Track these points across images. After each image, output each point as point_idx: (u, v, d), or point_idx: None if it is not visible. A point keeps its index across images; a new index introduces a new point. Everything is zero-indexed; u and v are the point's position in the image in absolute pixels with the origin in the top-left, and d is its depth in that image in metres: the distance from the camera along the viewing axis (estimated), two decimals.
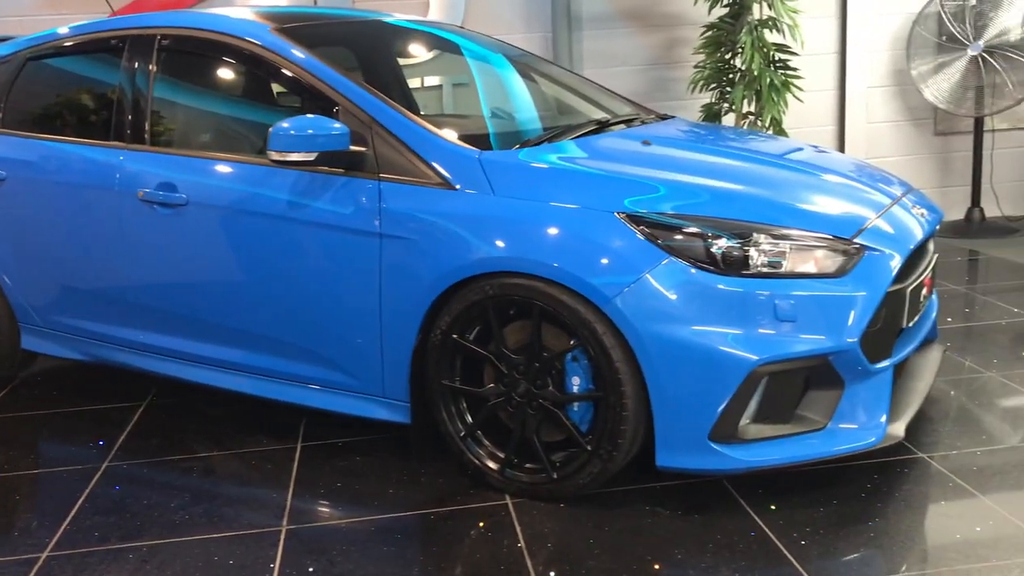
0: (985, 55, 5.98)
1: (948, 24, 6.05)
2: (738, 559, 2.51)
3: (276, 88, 3.55)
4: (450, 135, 3.03)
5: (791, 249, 2.64)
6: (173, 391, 3.87)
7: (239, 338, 3.31)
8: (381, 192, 2.94)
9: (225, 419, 3.61)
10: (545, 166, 2.93)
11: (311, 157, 2.91)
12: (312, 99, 3.16)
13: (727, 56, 5.76)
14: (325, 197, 3.02)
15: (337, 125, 2.95)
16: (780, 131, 5.60)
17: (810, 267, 2.65)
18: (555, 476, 2.80)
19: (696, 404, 2.59)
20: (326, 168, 3.00)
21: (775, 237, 2.64)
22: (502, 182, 2.85)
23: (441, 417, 2.95)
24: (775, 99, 5.54)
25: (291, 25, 3.46)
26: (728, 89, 5.73)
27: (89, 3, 5.75)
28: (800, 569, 2.44)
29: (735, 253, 2.60)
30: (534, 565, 2.53)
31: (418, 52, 4.41)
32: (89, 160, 3.55)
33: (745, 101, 5.62)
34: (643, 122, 3.69)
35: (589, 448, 2.73)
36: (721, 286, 2.58)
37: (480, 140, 3.15)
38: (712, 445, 2.61)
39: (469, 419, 2.94)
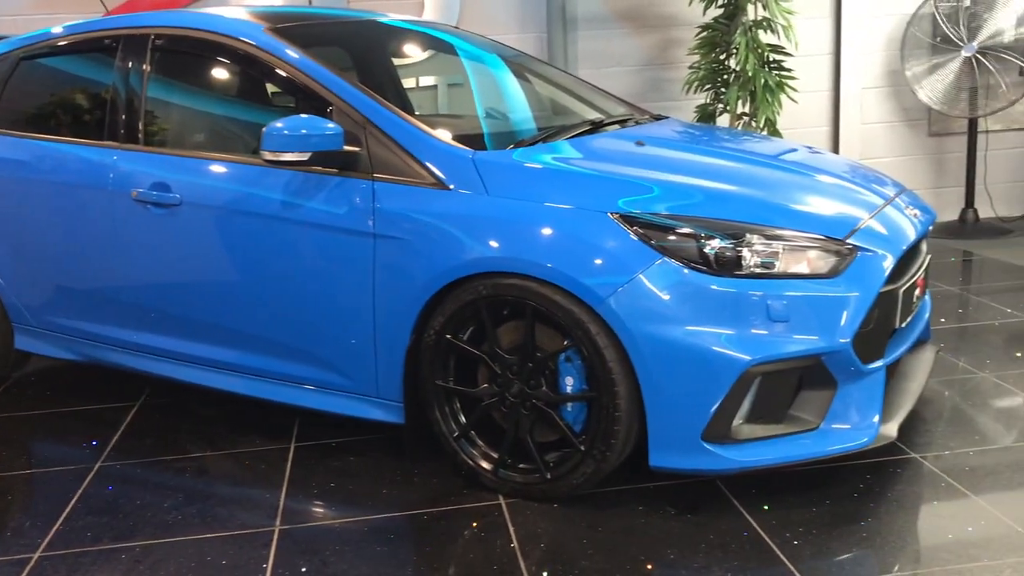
0: (979, 56, 6.00)
1: (942, 25, 6.06)
2: (731, 559, 2.51)
3: (270, 88, 3.54)
4: (444, 135, 3.03)
5: (784, 250, 2.64)
6: (167, 391, 3.87)
7: (233, 338, 3.31)
8: (375, 192, 2.94)
9: (219, 419, 3.61)
10: (539, 166, 2.93)
11: (305, 157, 2.91)
12: (306, 99, 3.16)
13: (722, 57, 5.76)
14: (319, 197, 3.02)
15: (331, 125, 2.95)
16: (774, 132, 5.60)
17: (803, 267, 2.65)
18: (548, 476, 2.81)
19: (689, 404, 2.59)
20: (320, 168, 3.00)
21: (768, 238, 2.64)
22: (496, 182, 2.85)
23: (435, 417, 2.95)
24: (769, 100, 5.55)
25: (285, 25, 3.46)
26: (722, 90, 5.74)
27: (83, 3, 5.74)
28: (792, 569, 2.45)
29: (728, 254, 2.61)
30: (527, 565, 2.53)
31: (413, 52, 4.41)
32: (83, 160, 3.54)
33: (739, 102, 5.63)
34: (637, 122, 3.69)
35: (583, 448, 2.73)
36: (714, 286, 2.58)
37: (474, 140, 3.15)
38: (705, 445, 2.62)
39: (463, 419, 2.94)
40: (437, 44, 4.29)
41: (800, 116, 6.23)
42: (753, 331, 2.58)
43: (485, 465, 2.91)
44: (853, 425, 2.72)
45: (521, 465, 2.88)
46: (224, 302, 3.29)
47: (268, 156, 2.94)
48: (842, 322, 2.62)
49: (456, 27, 5.32)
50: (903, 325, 2.98)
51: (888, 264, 2.75)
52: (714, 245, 2.61)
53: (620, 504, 2.82)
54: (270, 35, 3.31)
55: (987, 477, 2.88)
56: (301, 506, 2.94)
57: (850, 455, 2.77)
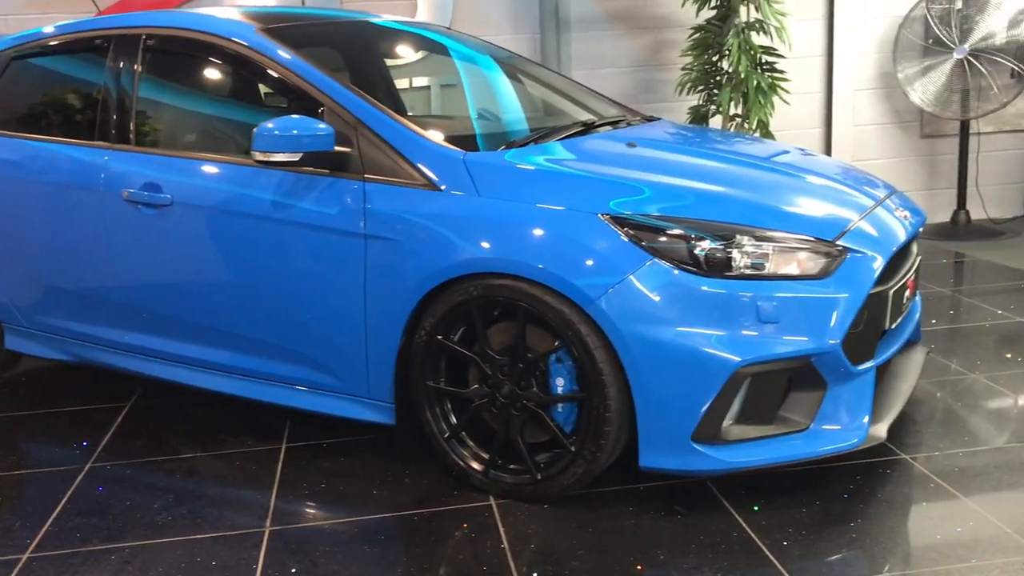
0: (971, 58, 6.01)
1: (934, 27, 6.08)
2: (720, 559, 2.52)
3: (262, 89, 3.54)
4: (435, 136, 3.03)
5: (774, 251, 2.65)
6: (158, 392, 3.86)
7: (224, 339, 3.30)
8: (366, 193, 2.94)
9: (210, 420, 3.60)
10: (530, 167, 2.93)
11: (296, 158, 2.91)
12: (297, 99, 3.16)
13: (714, 58, 5.77)
14: (310, 198, 3.02)
15: (322, 126, 2.94)
16: (767, 133, 5.61)
17: (793, 269, 2.66)
18: (539, 477, 2.81)
19: (679, 405, 2.60)
20: (311, 169, 3.00)
21: (758, 239, 2.65)
22: (487, 183, 2.85)
23: (425, 418, 2.95)
24: (762, 102, 5.56)
25: (277, 25, 3.45)
26: (715, 91, 5.75)
27: (75, 2, 5.73)
28: (782, 570, 2.45)
29: (718, 255, 2.61)
30: (517, 566, 2.53)
31: (405, 53, 4.41)
32: (74, 160, 3.53)
33: (732, 103, 5.63)
34: (629, 124, 3.70)
35: (573, 449, 2.74)
36: (704, 288, 2.59)
37: (466, 141, 3.15)
38: (695, 446, 2.62)
39: (453, 420, 2.94)
40: (430, 45, 4.29)
41: (793, 118, 6.24)
42: (743, 332, 2.59)
43: (476, 466, 2.91)
44: (843, 426, 2.73)
45: (511, 466, 2.88)
46: (215, 303, 3.28)
47: (259, 156, 2.93)
48: (832, 323, 2.63)
49: (449, 28, 5.32)
50: (893, 326, 2.98)
51: (878, 265, 2.76)
52: (704, 246, 2.62)
53: (610, 505, 2.82)
54: (262, 35, 3.30)
55: (976, 478, 2.89)
56: (291, 507, 2.93)
57: (840, 456, 2.78)
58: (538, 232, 2.72)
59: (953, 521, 2.66)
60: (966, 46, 6.02)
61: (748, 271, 2.62)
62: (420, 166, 2.92)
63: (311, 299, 3.06)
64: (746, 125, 5.64)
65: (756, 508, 2.76)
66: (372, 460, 3.20)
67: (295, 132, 2.90)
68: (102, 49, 3.60)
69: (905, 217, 3.12)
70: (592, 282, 2.62)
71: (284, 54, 3.21)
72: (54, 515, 2.93)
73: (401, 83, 4.29)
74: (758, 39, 5.69)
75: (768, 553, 2.53)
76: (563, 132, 3.35)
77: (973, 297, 4.90)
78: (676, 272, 2.60)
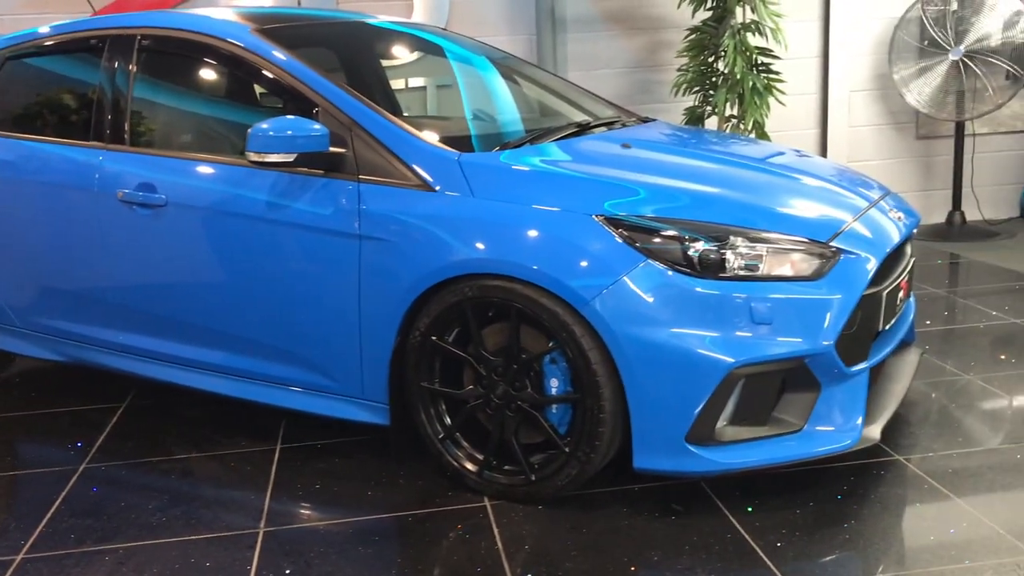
0: (966, 60, 6.03)
1: (930, 29, 6.09)
2: (714, 560, 2.52)
3: (257, 89, 3.54)
4: (430, 137, 3.03)
5: (768, 252, 2.65)
6: (152, 392, 3.86)
7: (219, 339, 3.30)
8: (360, 193, 2.94)
9: (204, 421, 3.60)
10: (524, 168, 2.93)
11: (290, 158, 2.91)
12: (292, 100, 3.16)
13: (710, 59, 5.77)
14: (304, 198, 3.02)
15: (317, 126, 2.94)
16: (762, 134, 5.62)
17: (787, 270, 2.66)
18: (533, 478, 2.81)
19: (673, 406, 2.60)
20: (305, 169, 3.00)
21: (752, 240, 2.65)
22: (481, 184, 2.86)
23: (420, 419, 2.95)
24: (757, 102, 5.56)
25: (272, 26, 3.45)
26: (711, 92, 5.75)
27: (70, 2, 5.72)
28: (775, 571, 2.45)
29: (712, 256, 2.61)
30: (511, 567, 2.53)
31: (401, 54, 4.41)
32: (68, 160, 3.53)
33: (728, 104, 5.64)
34: (624, 125, 3.70)
35: (567, 450, 2.74)
36: (698, 289, 2.59)
37: (462, 142, 3.16)
38: (689, 447, 2.62)
39: (448, 421, 2.94)
40: (425, 46, 4.29)
41: (788, 119, 6.24)
42: (737, 333, 2.59)
43: (470, 467, 2.91)
44: (836, 427, 2.73)
45: (506, 467, 2.88)
46: (209, 303, 3.28)
47: (253, 157, 2.93)
48: (825, 324, 2.63)
49: (445, 28, 5.32)
50: (887, 327, 2.99)
51: (871, 267, 2.76)
52: (698, 247, 2.62)
53: (605, 506, 2.83)
54: (257, 36, 3.30)
55: (970, 479, 2.89)
56: (286, 508, 2.93)
57: (834, 457, 2.78)
58: (532, 233, 2.72)
59: (947, 522, 2.66)
60: (961, 47, 6.03)
61: (742, 272, 2.63)
62: (414, 167, 2.92)
63: (305, 300, 3.06)
64: (742, 126, 5.64)
65: (750, 509, 2.76)
66: (367, 461, 3.20)
67: (290, 133, 2.90)
68: (97, 49, 3.60)
69: (899, 218, 3.13)
70: (586, 283, 2.62)
71: (279, 55, 3.21)
72: (48, 516, 2.93)
73: (397, 84, 4.29)
74: (754, 40, 5.69)
75: (762, 554, 2.53)
76: (558, 133, 3.36)
77: (968, 298, 4.91)
78: (670, 273, 2.60)
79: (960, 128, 6.31)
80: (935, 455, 3.06)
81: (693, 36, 5.79)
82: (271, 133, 2.90)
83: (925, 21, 6.10)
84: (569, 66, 6.19)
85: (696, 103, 5.85)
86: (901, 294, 3.09)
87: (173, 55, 3.53)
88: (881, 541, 2.58)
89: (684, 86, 5.79)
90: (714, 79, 5.76)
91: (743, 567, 2.49)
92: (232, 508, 2.96)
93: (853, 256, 2.74)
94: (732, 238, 2.64)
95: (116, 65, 3.52)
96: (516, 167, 2.93)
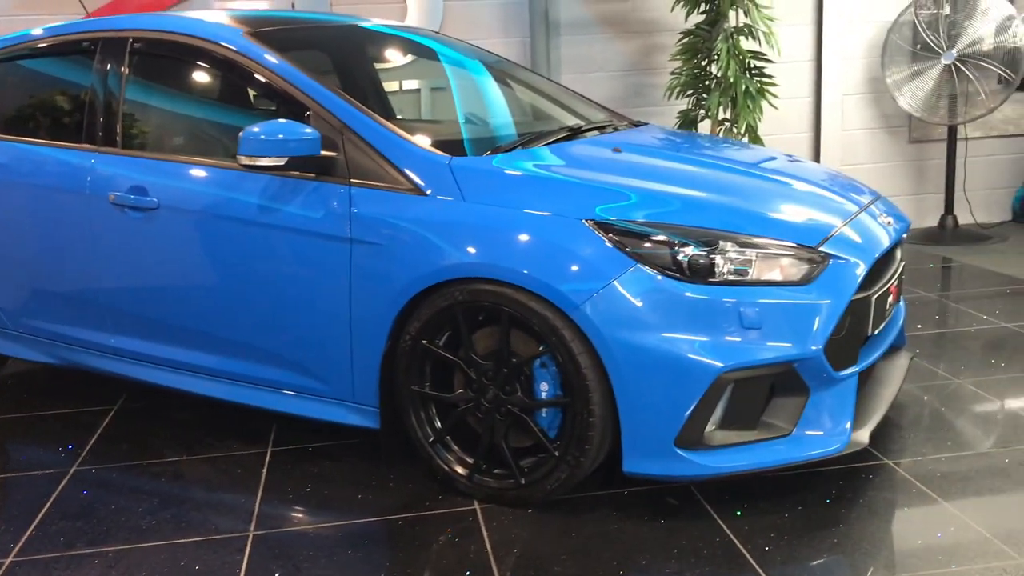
0: (958, 64, 6.05)
1: (922, 33, 6.11)
2: (703, 564, 2.53)
3: (249, 92, 3.54)
4: (421, 141, 3.03)
5: (757, 257, 2.66)
6: (144, 395, 3.86)
7: (210, 342, 3.30)
8: (352, 197, 2.95)
9: (196, 423, 3.60)
10: (516, 172, 2.94)
11: (281, 162, 2.91)
12: (284, 103, 3.16)
13: (703, 63, 5.79)
14: (296, 202, 3.02)
15: (308, 130, 2.95)
16: (755, 138, 5.64)
17: (776, 275, 2.67)
18: (523, 482, 2.81)
19: (662, 410, 2.60)
20: (297, 173, 3.00)
21: (741, 245, 2.66)
22: (472, 188, 2.86)
23: (410, 422, 2.95)
24: (750, 106, 5.58)
25: (264, 29, 3.45)
26: (704, 96, 5.77)
27: (63, 4, 5.72)
28: (763, 574, 2.46)
29: (701, 261, 2.62)
30: (500, 571, 2.54)
31: (394, 57, 4.42)
32: (60, 162, 3.53)
33: (721, 108, 5.65)
34: (616, 129, 3.71)
35: (557, 454, 2.74)
36: (688, 293, 2.60)
37: (453, 146, 3.16)
38: (678, 451, 2.63)
39: (438, 424, 2.95)
40: (419, 49, 4.29)
41: (781, 122, 6.26)
42: (726, 338, 2.60)
43: (460, 470, 2.92)
44: (825, 431, 2.74)
45: (496, 471, 2.88)
46: (201, 306, 3.28)
47: (244, 161, 2.94)
48: (814, 329, 2.64)
49: (438, 32, 5.32)
50: (876, 332, 3.00)
51: (860, 272, 2.77)
52: (687, 252, 2.63)
53: (594, 510, 2.83)
54: (248, 39, 3.30)
55: (958, 483, 2.90)
56: (276, 511, 2.93)
57: (823, 461, 2.79)
58: (523, 237, 2.73)
59: (935, 526, 2.67)
60: (954, 51, 6.05)
61: (731, 277, 2.64)
62: (406, 171, 2.93)
63: (296, 303, 3.06)
64: (735, 129, 5.65)
65: (739, 513, 2.77)
66: (357, 464, 3.20)
67: (281, 136, 2.90)
68: (89, 52, 3.60)
69: (888, 223, 3.14)
70: (576, 288, 2.62)
71: (271, 58, 3.21)
72: (38, 519, 2.93)
73: (390, 87, 4.30)
74: (747, 44, 5.71)
75: (750, 558, 2.54)
76: (550, 137, 3.36)
77: (959, 302, 4.92)
78: (659, 278, 2.61)
79: (953, 132, 6.33)
80: (924, 459, 3.07)
81: (686, 40, 5.81)
82: (262, 137, 2.90)
83: (918, 25, 6.12)
84: (563, 69, 6.20)
85: (689, 106, 5.87)
86: (891, 299, 3.10)
87: (165, 58, 3.54)
88: (869, 545, 2.59)
89: (677, 89, 5.81)
90: (707, 83, 5.78)
91: (731, 571, 2.50)
92: (222, 511, 2.96)
93: (842, 261, 2.75)
94: (721, 243, 2.65)
95: (108, 68, 3.52)
96: (507, 171, 2.94)
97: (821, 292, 2.68)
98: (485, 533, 2.73)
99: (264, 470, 3.20)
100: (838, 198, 3.15)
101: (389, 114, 3.86)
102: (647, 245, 2.65)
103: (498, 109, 4.05)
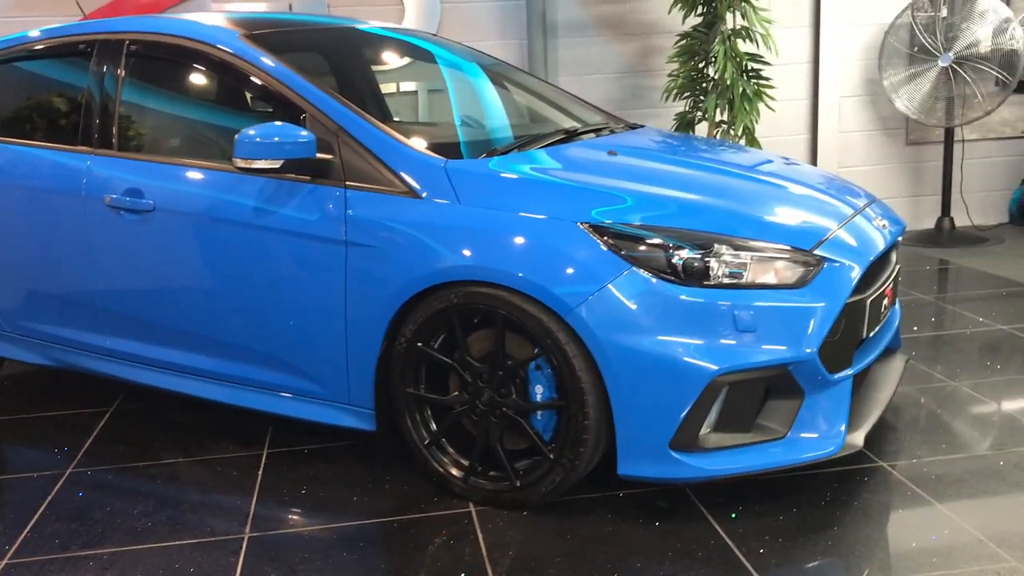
0: (955, 66, 6.05)
1: (919, 35, 6.12)
2: (697, 567, 2.53)
3: (246, 95, 3.54)
4: (417, 143, 3.03)
5: (752, 260, 2.66)
6: (140, 397, 3.86)
7: (206, 344, 3.30)
8: (347, 200, 2.95)
9: (192, 425, 3.60)
10: (511, 175, 2.94)
11: (277, 165, 2.92)
12: (280, 106, 3.16)
13: (700, 65, 5.79)
14: (291, 204, 3.02)
15: (304, 133, 2.95)
16: (752, 140, 5.64)
17: (770, 278, 2.67)
18: (518, 484, 2.81)
19: (657, 413, 2.61)
20: (293, 175, 3.00)
21: (736, 248, 2.66)
22: (468, 191, 2.86)
23: (406, 425, 2.95)
24: (747, 108, 5.58)
25: (261, 32, 3.45)
26: (701, 98, 5.77)
27: (60, 6, 5.72)
28: None
29: (696, 264, 2.63)
30: (496, 573, 2.54)
31: (391, 59, 4.42)
32: (56, 164, 3.53)
33: (718, 110, 5.66)
34: (612, 131, 3.71)
35: (552, 456, 2.75)
36: (682, 296, 2.60)
37: (450, 148, 3.16)
38: (673, 454, 2.63)
39: (433, 427, 2.95)
40: (416, 52, 4.30)
41: (779, 124, 6.27)
42: (721, 341, 2.60)
43: (455, 473, 2.92)
44: (820, 434, 2.74)
45: (491, 473, 2.89)
46: (196, 309, 3.28)
47: (240, 163, 2.94)
48: (809, 332, 2.64)
49: (435, 34, 5.33)
50: (871, 335, 3.00)
51: (855, 275, 2.77)
52: (682, 255, 2.63)
53: (589, 512, 2.83)
54: (245, 42, 3.30)
55: (953, 485, 2.91)
56: (271, 513, 2.94)
57: (818, 463, 2.79)
58: (518, 240, 2.73)
59: (929, 529, 2.67)
60: (951, 54, 6.05)
61: (726, 280, 2.64)
62: (401, 173, 2.93)
63: (292, 305, 3.06)
64: (732, 132, 5.66)
65: (734, 516, 2.77)
66: (353, 466, 3.20)
67: (276, 139, 2.91)
68: (86, 54, 3.60)
69: (884, 226, 3.14)
70: (571, 290, 2.63)
71: (267, 61, 3.21)
72: (33, 521, 2.93)
73: (387, 90, 4.30)
74: (744, 46, 5.71)
75: (745, 561, 2.54)
76: (546, 140, 3.36)
77: (956, 304, 4.93)
78: (654, 281, 2.61)
79: (950, 134, 6.34)
80: (919, 461, 3.08)
81: (684, 42, 5.81)
82: (258, 139, 2.91)
83: (915, 27, 6.13)
84: (560, 71, 6.20)
85: (686, 109, 5.87)
86: (886, 301, 3.11)
87: (161, 60, 3.54)
88: (863, 548, 2.59)
89: (675, 91, 5.81)
90: (704, 85, 5.78)
91: (726, 573, 2.50)
92: (218, 513, 2.96)
93: (837, 264, 2.75)
94: (716, 246, 2.66)
95: (104, 70, 3.52)
96: (503, 174, 2.94)
97: (816, 295, 2.68)
98: (480, 535, 2.73)
99: (260, 472, 3.20)
100: (833, 201, 3.15)
101: (385, 117, 3.87)
102: (642, 248, 2.65)
103: (495, 111, 4.06)
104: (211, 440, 3.47)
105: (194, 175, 3.25)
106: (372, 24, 4.23)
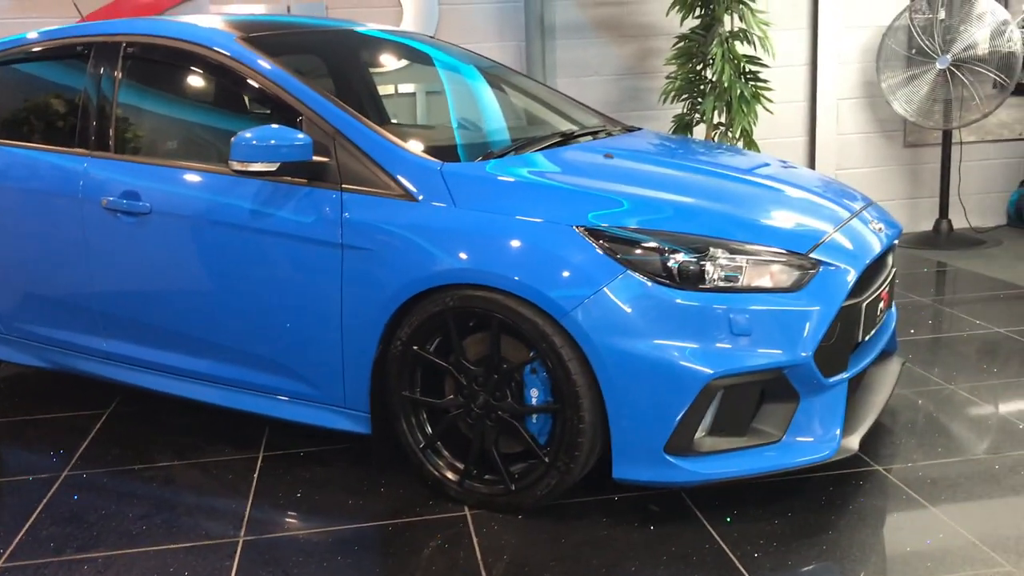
0: (953, 69, 6.05)
1: (917, 37, 6.12)
2: (692, 571, 2.53)
3: (243, 97, 3.54)
4: (413, 146, 3.03)
5: (748, 264, 2.66)
6: (136, 399, 3.86)
7: (202, 347, 3.30)
8: (343, 203, 2.95)
9: (188, 428, 3.60)
10: (507, 178, 2.94)
11: (273, 167, 2.92)
12: (276, 109, 3.16)
13: (698, 67, 5.79)
14: (287, 207, 3.02)
15: (300, 135, 2.95)
16: (750, 142, 5.64)
17: (766, 282, 2.67)
18: (513, 488, 2.81)
19: (652, 417, 2.61)
20: (289, 178, 3.00)
21: (732, 252, 2.66)
22: (464, 194, 2.86)
23: (401, 428, 2.95)
24: (745, 110, 5.58)
25: (258, 34, 3.45)
26: (699, 100, 5.77)
27: (58, 7, 5.72)
28: None
29: (691, 268, 2.63)
30: None
31: (388, 62, 4.42)
32: (53, 167, 3.53)
33: (716, 112, 5.65)
34: (609, 134, 3.71)
35: (547, 460, 2.75)
36: (678, 300, 2.60)
37: (446, 151, 3.16)
38: (668, 458, 2.63)
39: (429, 430, 2.95)
40: (413, 54, 4.29)
41: (777, 126, 6.26)
42: (716, 344, 2.60)
43: (450, 476, 2.92)
44: (815, 438, 2.75)
45: (486, 476, 2.88)
46: (193, 311, 3.28)
47: (236, 166, 2.94)
48: (804, 336, 2.64)
49: (433, 37, 5.32)
50: (866, 338, 3.00)
51: (851, 278, 2.77)
52: (678, 259, 2.63)
53: (584, 516, 2.83)
54: (241, 44, 3.30)
55: (948, 489, 2.91)
56: (266, 516, 2.93)
57: (813, 467, 2.79)
58: (514, 244, 2.73)
59: (923, 533, 2.67)
60: (949, 56, 6.06)
61: (721, 284, 2.64)
62: (397, 176, 2.93)
63: (288, 308, 3.06)
64: (729, 134, 5.66)
65: (728, 520, 2.77)
66: (348, 470, 3.20)
67: (273, 142, 2.90)
68: (83, 56, 3.60)
69: (879, 229, 3.14)
70: (566, 294, 2.63)
71: (263, 63, 3.21)
72: (28, 524, 2.93)
73: (384, 92, 4.30)
74: (742, 48, 5.71)
75: (739, 565, 2.54)
76: (543, 142, 3.36)
77: (953, 307, 4.92)
78: (650, 285, 2.61)
79: (947, 136, 6.34)
80: (915, 465, 3.08)
81: (681, 44, 5.81)
82: (254, 142, 2.91)
83: (913, 30, 6.13)
84: (558, 73, 6.20)
85: (684, 111, 5.87)
86: (882, 305, 3.11)
87: (158, 63, 3.53)
88: (858, 552, 2.59)
89: (672, 94, 5.81)
90: (702, 87, 5.78)
91: None
92: (213, 516, 2.96)
93: (833, 268, 2.75)
94: (712, 250, 2.66)
95: (101, 72, 3.52)
96: (499, 177, 2.94)
97: (811, 299, 2.68)
98: (475, 539, 2.73)
99: (255, 475, 3.20)
100: (830, 205, 3.15)
101: (383, 119, 3.86)
102: (637, 252, 2.65)
103: (492, 114, 4.06)
104: (207, 443, 3.47)
105: (191, 178, 3.25)
106: (370, 26, 4.23)
